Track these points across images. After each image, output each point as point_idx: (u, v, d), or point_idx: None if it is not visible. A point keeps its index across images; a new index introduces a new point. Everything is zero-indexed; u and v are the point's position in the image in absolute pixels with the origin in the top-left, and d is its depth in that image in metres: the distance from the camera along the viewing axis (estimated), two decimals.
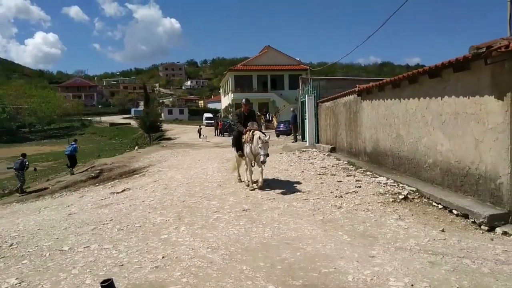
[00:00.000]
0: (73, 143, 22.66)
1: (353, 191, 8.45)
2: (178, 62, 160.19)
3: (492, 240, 5.42)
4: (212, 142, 28.87)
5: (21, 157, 18.81)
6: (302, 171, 11.61)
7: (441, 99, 7.51)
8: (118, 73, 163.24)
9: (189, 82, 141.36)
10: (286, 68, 48.20)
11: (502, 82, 5.75)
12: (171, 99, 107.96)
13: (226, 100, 54.15)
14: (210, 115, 60.24)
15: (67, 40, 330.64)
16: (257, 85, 48.66)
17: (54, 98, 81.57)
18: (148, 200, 8.94)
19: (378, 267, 4.41)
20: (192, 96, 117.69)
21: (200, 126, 40.69)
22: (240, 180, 10.18)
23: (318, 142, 19.44)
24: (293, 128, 23.57)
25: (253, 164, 9.30)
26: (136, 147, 31.14)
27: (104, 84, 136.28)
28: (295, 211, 7.17)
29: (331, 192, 8.53)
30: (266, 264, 4.62)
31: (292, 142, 22.32)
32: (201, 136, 34.34)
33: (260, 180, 9.02)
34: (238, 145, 9.42)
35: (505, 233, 5.59)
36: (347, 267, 4.45)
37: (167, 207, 8.00)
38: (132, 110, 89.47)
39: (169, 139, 38.11)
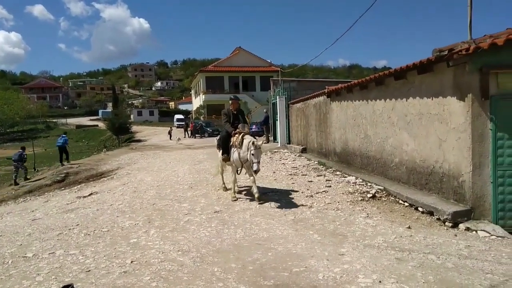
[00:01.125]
0: (63, 135, 22.75)
1: (323, 191, 8.57)
2: (148, 62, 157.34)
3: (456, 236, 5.64)
4: (183, 144, 28.54)
5: (20, 150, 20.07)
6: (274, 172, 11.68)
7: (406, 100, 7.75)
8: (85, 73, 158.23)
9: (159, 83, 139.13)
10: (257, 69, 48.37)
11: (463, 84, 6.00)
12: (140, 100, 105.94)
13: (197, 102, 53.70)
14: (181, 116, 59.56)
15: (31, 39, 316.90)
16: (229, 86, 48.54)
17: (17, 99, 78.08)
18: (117, 204, 8.71)
19: (348, 265, 4.49)
20: (163, 97, 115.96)
21: (171, 127, 40.05)
22: (226, 189, 9.09)
23: (289, 143, 19.63)
24: (265, 129, 23.71)
25: (238, 172, 8.48)
26: (104, 150, 30.33)
27: (70, 85, 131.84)
28: (267, 212, 7.20)
29: (302, 192, 8.62)
30: (237, 265, 4.61)
31: (264, 143, 22.39)
32: (172, 138, 33.87)
33: (255, 191, 7.87)
34: (224, 147, 8.38)
35: (468, 229, 5.83)
36: (318, 266, 4.50)
37: (136, 211, 7.83)
38: (100, 111, 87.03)
39: (139, 141, 37.36)
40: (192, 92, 62.74)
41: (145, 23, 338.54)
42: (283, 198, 8.17)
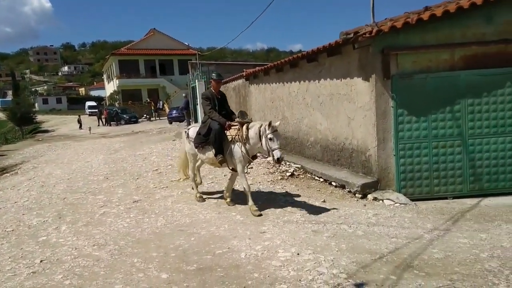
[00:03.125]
0: None
1: (246, 172, 8.70)
2: (52, 45, 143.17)
3: (365, 206, 6.14)
4: (98, 132, 26.80)
5: None
6: None
7: (319, 82, 8.13)
8: None
9: (66, 68, 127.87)
10: (174, 52, 46.73)
11: (368, 65, 6.44)
12: (46, 87, 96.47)
13: (110, 87, 50.47)
14: (93, 103, 55.56)
15: None
16: (145, 70, 46.26)
17: None
18: (22, 201, 7.93)
19: (268, 241, 4.65)
20: (71, 83, 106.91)
21: (79, 115, 37.01)
22: (202, 198, 6.86)
23: None
24: (186, 114, 23.22)
25: (247, 171, 6.88)
26: (5, 143, 27.28)
27: None
28: (189, 197, 7.12)
29: (224, 175, 8.66)
30: (159, 254, 4.50)
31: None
32: (83, 127, 31.57)
33: (227, 194, 6.48)
34: (219, 145, 6.06)
35: (375, 198, 6.37)
36: (240, 245, 4.59)
37: (45, 207, 7.20)
38: None
39: (45, 131, 34.27)
40: (104, 76, 58.75)
41: (46, 2, 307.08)
42: (205, 183, 8.13)
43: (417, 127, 6.39)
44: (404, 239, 4.64)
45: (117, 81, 44.74)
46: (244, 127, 5.93)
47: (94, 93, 78.99)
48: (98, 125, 34.57)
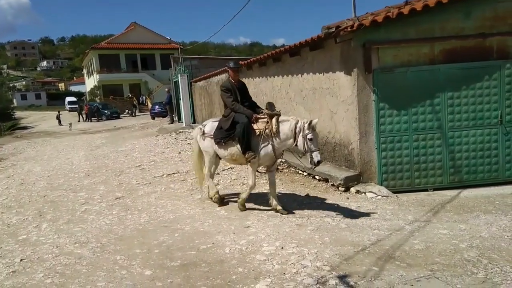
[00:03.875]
0: None
1: (229, 167, 8.70)
2: (30, 40, 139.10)
3: (348, 198, 6.21)
4: (78, 128, 26.29)
5: None
6: (180, 152, 11.47)
7: (301, 76, 8.15)
8: None
9: (45, 63, 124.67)
10: (156, 46, 46.04)
11: (350, 59, 6.48)
12: (24, 83, 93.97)
13: (91, 82, 49.46)
14: (73, 98, 54.34)
15: None
16: (126, 64, 45.46)
17: None
18: (1, 199, 7.73)
19: (253, 236, 4.66)
20: (51, 78, 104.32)
21: (59, 111, 36.12)
22: (222, 200, 6.15)
23: (194, 122, 19.39)
24: (169, 109, 23.00)
25: (261, 171, 6.21)
26: None
27: None
28: (173, 193, 7.07)
29: (235, 178, 8.62)
30: (142, 251, 4.46)
31: (169, 123, 21.80)
32: (63, 123, 30.87)
33: (274, 202, 5.63)
34: (248, 140, 5.41)
35: (358, 191, 6.45)
36: (225, 240, 4.59)
37: (24, 205, 7.04)
38: None
39: (24, 128, 33.38)
40: (84, 71, 57.52)
41: None
42: (188, 178, 8.08)
43: (398, 121, 6.47)
44: (386, 230, 4.72)
45: (97, 76, 43.92)
46: (274, 120, 5.31)
47: (74, 88, 77.36)
48: (79, 121, 33.92)
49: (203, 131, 6.15)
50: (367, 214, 5.37)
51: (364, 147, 6.51)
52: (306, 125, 5.07)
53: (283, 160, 8.47)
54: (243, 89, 5.92)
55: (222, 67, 13.87)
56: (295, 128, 5.19)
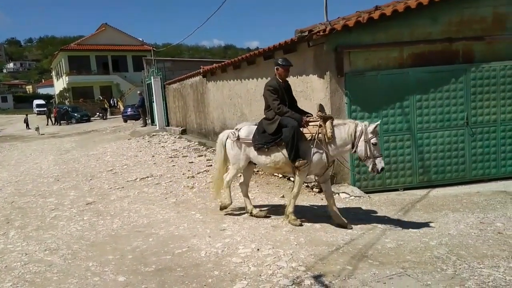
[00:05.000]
0: None
1: (204, 170, 8.65)
2: None
3: (322, 199, 6.28)
4: (47, 132, 25.44)
5: None
6: (153, 156, 11.32)
7: None
8: None
9: (11, 64, 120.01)
10: (128, 48, 45.17)
11: (322, 62, 6.59)
12: None
13: (60, 84, 47.94)
14: (42, 101, 52.59)
15: None
16: (97, 66, 44.39)
17: None
18: None
19: (229, 239, 4.65)
20: (17, 81, 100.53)
21: (26, 114, 34.85)
22: (261, 213, 5.48)
23: (168, 125, 19.17)
24: (142, 112, 22.63)
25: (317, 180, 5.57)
26: None
27: None
28: (147, 197, 6.96)
29: (183, 174, 8.55)
30: (115, 256, 4.36)
31: (142, 126, 21.45)
32: (30, 126, 29.78)
33: (341, 218, 4.98)
34: (297, 147, 4.82)
35: None
36: (200, 244, 4.55)
37: None
38: None
39: None
40: (53, 73, 55.78)
41: None
42: (163, 182, 7.98)
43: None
44: (359, 230, 4.82)
45: (67, 78, 42.67)
46: (328, 123, 4.80)
47: (42, 91, 74.85)
48: (47, 125, 32.82)
49: (238, 136, 5.35)
50: (341, 215, 5.44)
51: None
52: (370, 129, 4.64)
53: None
54: (288, 90, 5.31)
55: (196, 70, 13.80)
56: (355, 133, 4.71)
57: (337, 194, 6.45)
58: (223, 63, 11.11)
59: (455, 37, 6.71)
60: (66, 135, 22.32)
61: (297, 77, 7.38)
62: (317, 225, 5.03)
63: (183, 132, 16.14)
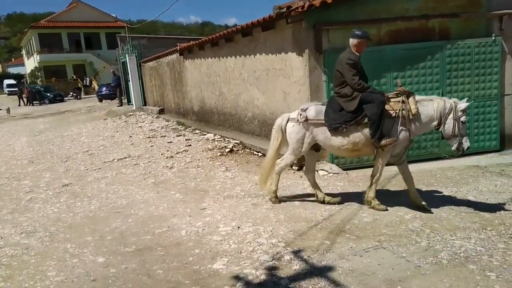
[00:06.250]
0: None
1: (183, 150, 8.59)
2: None
3: (301, 177, 6.35)
4: (19, 113, 24.58)
5: None
6: (130, 136, 11.13)
7: (254, 57, 8.12)
8: None
9: None
10: (101, 25, 43.60)
11: (301, 40, 6.54)
12: None
13: (31, 63, 46.14)
14: (12, 81, 50.52)
15: None
16: (69, 44, 42.77)
17: None
18: None
19: (209, 217, 4.67)
20: None
21: None
22: (326, 199, 5.05)
23: (145, 104, 18.81)
24: (118, 91, 22.08)
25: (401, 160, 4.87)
26: None
27: None
28: (125, 178, 6.88)
29: (162, 154, 8.46)
30: (94, 238, 4.33)
31: (118, 106, 20.98)
32: (0, 108, 28.71)
33: (421, 201, 4.71)
34: (382, 125, 4.46)
35: None
36: (180, 223, 4.56)
37: None
38: None
39: None
40: (23, 52, 53.53)
41: None
42: (141, 162, 7.89)
43: None
44: (336, 206, 4.91)
45: (38, 56, 41.08)
46: (412, 99, 4.48)
47: (12, 70, 71.64)
48: (19, 105, 31.69)
49: (306, 116, 4.77)
50: None
51: None
52: (460, 106, 4.41)
53: (238, 142, 8.49)
54: (361, 65, 4.81)
55: (172, 47, 13.47)
56: (443, 109, 4.45)
57: (316, 171, 6.53)
58: (200, 41, 10.88)
59: (431, 14, 6.75)
60: (39, 116, 21.64)
61: (276, 55, 7.32)
62: (297, 202, 5.11)
63: (161, 111, 15.89)
